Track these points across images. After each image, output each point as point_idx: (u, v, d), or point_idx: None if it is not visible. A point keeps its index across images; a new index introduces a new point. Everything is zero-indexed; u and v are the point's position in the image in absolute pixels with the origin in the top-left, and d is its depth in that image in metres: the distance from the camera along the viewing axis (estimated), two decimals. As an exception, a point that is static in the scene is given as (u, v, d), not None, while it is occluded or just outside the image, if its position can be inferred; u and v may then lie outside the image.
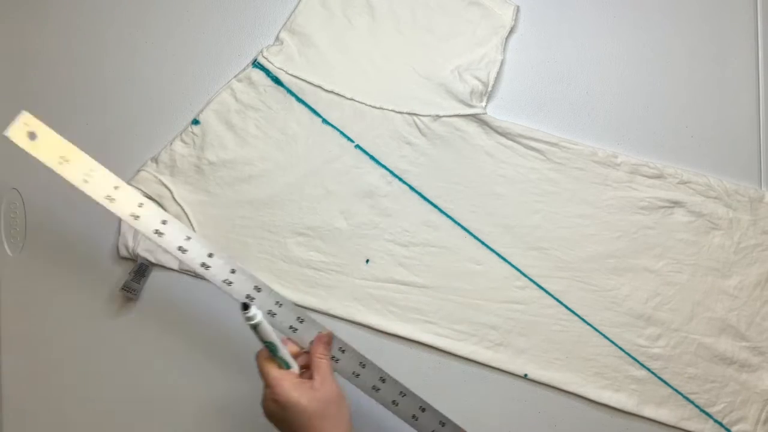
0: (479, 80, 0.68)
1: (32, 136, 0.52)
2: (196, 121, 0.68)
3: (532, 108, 0.69)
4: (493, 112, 0.69)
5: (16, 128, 0.51)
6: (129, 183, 0.66)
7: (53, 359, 0.67)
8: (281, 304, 0.55)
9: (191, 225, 0.67)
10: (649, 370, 0.66)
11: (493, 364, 0.66)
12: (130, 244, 0.66)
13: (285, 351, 0.52)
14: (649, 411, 0.66)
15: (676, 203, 0.68)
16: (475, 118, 0.68)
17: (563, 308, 0.67)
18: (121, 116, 0.69)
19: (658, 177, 0.68)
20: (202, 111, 0.68)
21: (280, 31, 0.69)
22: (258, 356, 0.52)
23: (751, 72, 0.71)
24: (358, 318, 0.66)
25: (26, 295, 0.68)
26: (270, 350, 0.51)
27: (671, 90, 0.70)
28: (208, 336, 0.67)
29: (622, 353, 0.67)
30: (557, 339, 0.66)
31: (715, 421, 0.66)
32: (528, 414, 0.66)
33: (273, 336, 0.50)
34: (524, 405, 0.66)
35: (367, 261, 0.67)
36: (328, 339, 0.54)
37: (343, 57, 0.68)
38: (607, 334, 0.67)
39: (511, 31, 0.70)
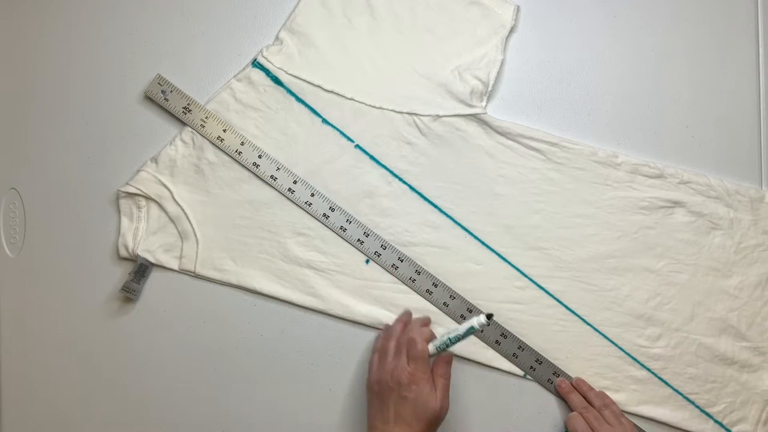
0: (479, 80, 0.68)
1: (165, 93, 0.67)
2: (195, 121, 0.68)
3: (532, 108, 0.69)
4: (493, 112, 0.69)
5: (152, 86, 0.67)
6: (128, 183, 0.67)
7: (53, 359, 0.67)
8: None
9: (191, 225, 0.67)
10: (649, 370, 0.66)
11: (494, 364, 0.66)
12: (130, 244, 0.66)
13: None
14: (649, 411, 0.66)
15: (677, 203, 0.68)
16: (475, 117, 0.68)
17: (563, 308, 0.67)
18: (121, 116, 0.69)
19: (659, 177, 0.68)
20: (201, 111, 0.68)
21: (279, 31, 0.69)
22: (422, 332, 0.59)
23: (752, 71, 0.70)
24: (358, 318, 0.66)
25: (26, 295, 0.68)
26: (448, 342, 0.57)
27: (671, 90, 0.70)
28: (208, 336, 0.67)
29: (623, 353, 0.66)
30: (557, 339, 0.66)
31: (716, 421, 0.66)
32: (528, 414, 0.66)
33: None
34: (524, 405, 0.66)
35: (367, 261, 0.67)
36: (449, 360, 0.60)
37: (343, 57, 0.68)
38: (607, 334, 0.67)
39: (512, 30, 0.70)
